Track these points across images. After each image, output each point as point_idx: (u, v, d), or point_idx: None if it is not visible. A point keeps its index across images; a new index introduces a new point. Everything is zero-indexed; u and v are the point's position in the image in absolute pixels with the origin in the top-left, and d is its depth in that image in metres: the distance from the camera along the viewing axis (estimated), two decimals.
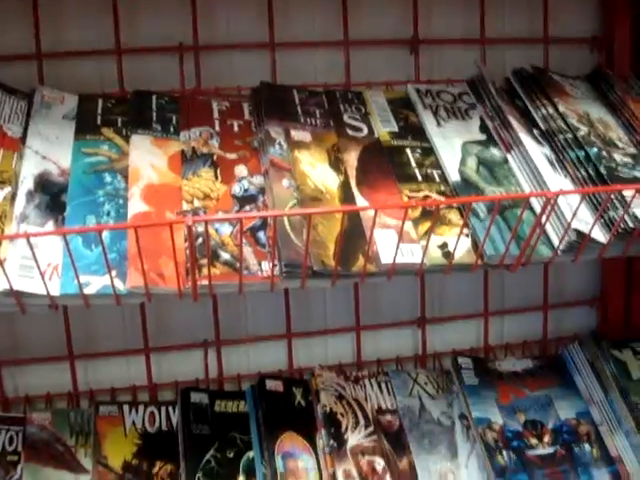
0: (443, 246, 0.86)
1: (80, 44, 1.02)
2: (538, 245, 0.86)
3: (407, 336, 1.20)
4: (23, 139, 0.90)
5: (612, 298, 1.24)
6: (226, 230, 0.84)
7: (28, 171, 0.87)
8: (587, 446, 1.06)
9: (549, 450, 1.04)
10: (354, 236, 0.84)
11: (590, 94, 1.06)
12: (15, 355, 1.09)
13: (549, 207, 0.81)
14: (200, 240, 0.82)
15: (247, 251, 0.83)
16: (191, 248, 0.76)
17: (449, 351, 1.18)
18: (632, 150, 0.97)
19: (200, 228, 0.82)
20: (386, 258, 0.83)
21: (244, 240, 0.84)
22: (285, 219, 0.84)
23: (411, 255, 0.84)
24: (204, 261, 0.80)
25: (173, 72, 1.05)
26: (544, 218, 0.83)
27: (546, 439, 1.05)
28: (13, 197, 0.84)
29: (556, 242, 0.86)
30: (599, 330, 1.23)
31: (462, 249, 0.86)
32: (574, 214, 0.82)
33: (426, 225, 0.87)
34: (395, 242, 0.82)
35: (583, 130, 0.97)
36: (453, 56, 1.13)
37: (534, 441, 1.05)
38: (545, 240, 0.87)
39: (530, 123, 0.99)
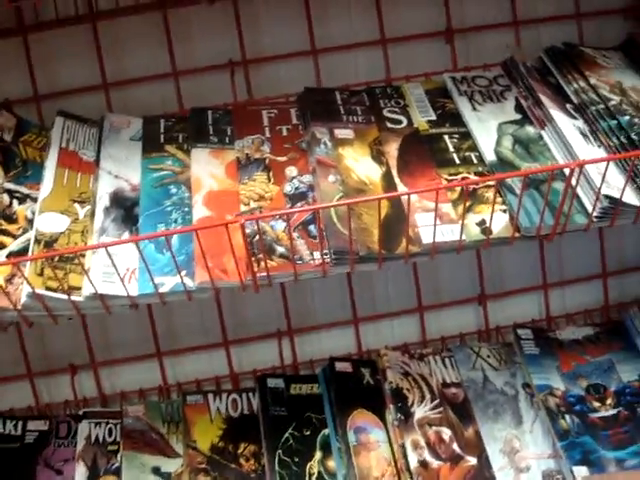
0: (481, 223, 0.91)
1: (141, 71, 1.13)
2: (573, 214, 0.91)
3: (469, 313, 1.25)
4: (97, 162, 1.01)
5: None
6: (280, 226, 0.92)
7: (104, 190, 0.98)
8: None
9: (612, 412, 1.07)
10: (397, 221, 0.91)
11: (623, 63, 1.09)
12: (109, 356, 1.21)
13: (575, 177, 0.86)
14: (258, 237, 0.91)
15: (300, 243, 0.91)
16: (245, 244, 0.85)
17: (511, 324, 1.23)
18: None
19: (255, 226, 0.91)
20: (427, 238, 0.89)
21: (297, 233, 0.92)
22: (332, 211, 0.91)
23: (451, 234, 0.90)
24: (262, 255, 0.89)
25: (226, 87, 1.14)
26: (571, 188, 0.87)
27: (609, 401, 1.09)
28: (93, 214, 0.95)
29: (590, 209, 0.90)
30: None
31: (500, 224, 0.91)
32: (602, 181, 0.86)
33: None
34: (437, 223, 0.89)
35: (615, 100, 1.00)
36: (488, 41, 1.17)
37: (597, 404, 1.08)
38: (580, 208, 0.91)
39: (563, 98, 1.03)
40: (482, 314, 1.24)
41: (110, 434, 1.11)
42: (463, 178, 0.96)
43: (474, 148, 1.00)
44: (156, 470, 1.07)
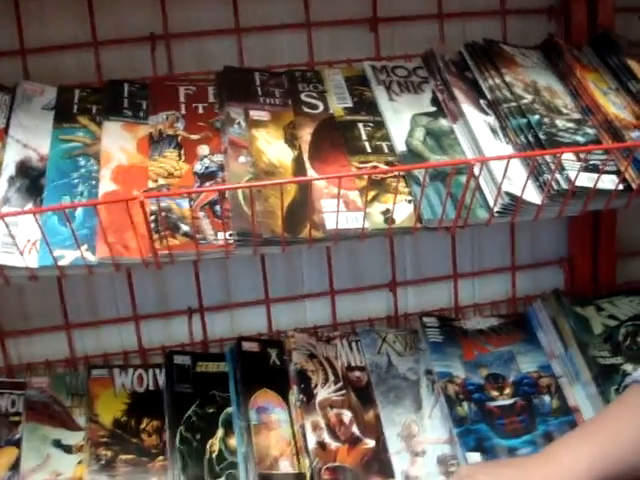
0: (385, 212, 0.93)
1: (60, 39, 1.11)
2: (476, 208, 0.93)
3: (381, 298, 1.27)
4: (6, 130, 0.99)
5: (579, 257, 1.29)
6: (186, 205, 0.92)
7: (10, 158, 0.96)
8: (547, 397, 1.12)
9: (509, 401, 1.11)
10: (303, 206, 0.91)
11: (541, 63, 1.11)
12: (18, 327, 1.19)
13: (477, 172, 0.88)
14: (163, 214, 0.91)
15: (205, 222, 0.91)
16: (146, 221, 0.85)
17: (420, 312, 1.25)
18: (576, 116, 1.02)
19: (162, 204, 0.90)
20: (331, 224, 0.90)
21: (203, 212, 0.92)
22: (240, 192, 0.92)
23: (355, 222, 0.91)
24: (165, 233, 0.89)
25: (148, 60, 1.13)
26: (474, 181, 0.89)
27: (507, 391, 1.12)
28: None
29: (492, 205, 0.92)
30: (567, 289, 1.29)
31: (404, 214, 0.93)
32: (503, 178, 0.88)
33: (371, 194, 0.94)
34: (342, 210, 0.90)
35: (527, 98, 1.02)
36: (413, 32, 1.18)
37: (495, 393, 1.12)
38: (483, 203, 0.94)
39: (478, 94, 1.05)
40: (392, 301, 1.26)
41: (13, 405, 1.10)
42: (373, 167, 0.97)
43: (386, 137, 1.01)
44: (57, 442, 1.06)
